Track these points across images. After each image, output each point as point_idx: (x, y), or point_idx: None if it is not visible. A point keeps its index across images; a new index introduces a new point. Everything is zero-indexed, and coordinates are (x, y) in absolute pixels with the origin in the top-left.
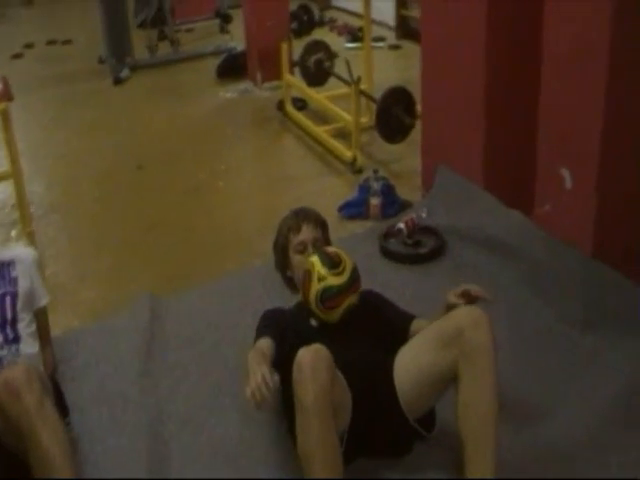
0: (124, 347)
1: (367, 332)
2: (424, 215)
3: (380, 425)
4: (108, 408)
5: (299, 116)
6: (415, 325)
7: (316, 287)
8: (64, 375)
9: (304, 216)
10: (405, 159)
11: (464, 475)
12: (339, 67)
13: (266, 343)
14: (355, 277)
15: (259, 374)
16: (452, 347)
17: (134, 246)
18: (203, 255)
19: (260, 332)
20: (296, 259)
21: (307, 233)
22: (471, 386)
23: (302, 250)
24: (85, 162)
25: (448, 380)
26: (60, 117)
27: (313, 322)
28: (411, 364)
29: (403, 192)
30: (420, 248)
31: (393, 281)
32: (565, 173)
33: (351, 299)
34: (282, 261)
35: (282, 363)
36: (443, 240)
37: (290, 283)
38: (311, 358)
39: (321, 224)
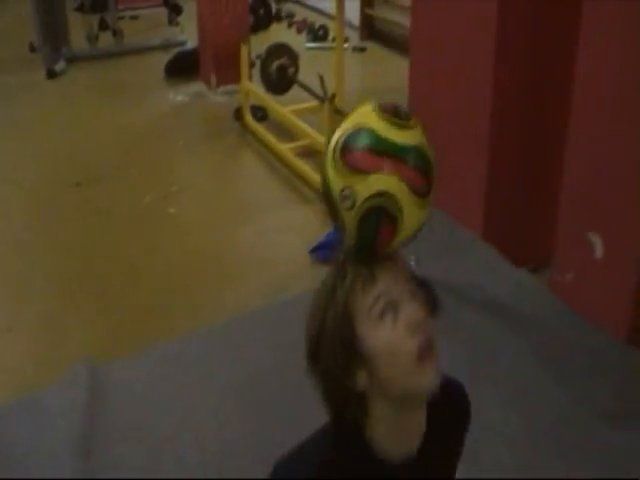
0: (56, 437)
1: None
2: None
3: None
4: None
5: (260, 129)
6: None
7: (343, 130)
8: None
9: (377, 258)
10: None
11: None
12: (303, 72)
13: None
14: (423, 162)
15: None
16: None
17: (70, 291)
18: (152, 305)
19: None
20: (382, 337)
21: (391, 279)
22: None
23: (394, 314)
24: (12, 176)
25: None
26: None
27: None
28: None
29: None
30: None
31: None
32: (595, 239)
33: (400, 188)
34: (343, 361)
35: None
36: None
37: (356, 403)
38: None
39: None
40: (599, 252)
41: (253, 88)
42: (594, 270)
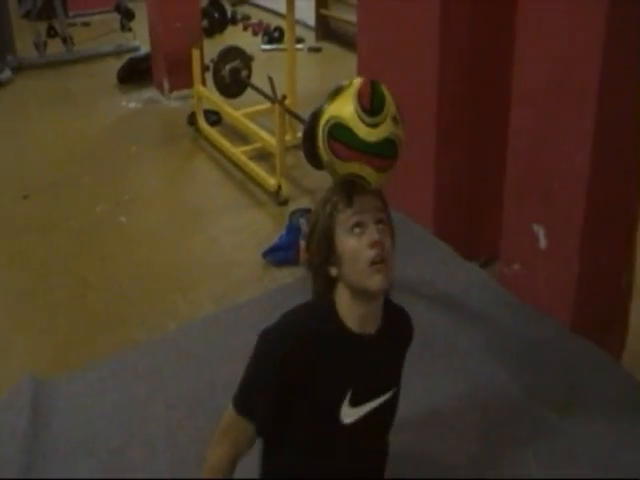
0: None
1: (393, 377)
2: None
3: None
4: None
5: (213, 133)
6: None
7: (331, 115)
8: None
9: (356, 186)
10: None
11: None
12: (256, 75)
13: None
14: (389, 149)
15: None
16: None
17: (14, 304)
18: (103, 318)
19: (249, 416)
20: (350, 245)
21: (364, 204)
22: None
23: (360, 230)
24: None
25: None
26: None
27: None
28: None
29: None
30: None
31: None
32: (538, 230)
33: (366, 171)
34: (325, 249)
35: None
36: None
37: (329, 285)
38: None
39: (382, 199)
40: (543, 243)
41: (206, 92)
42: (539, 260)
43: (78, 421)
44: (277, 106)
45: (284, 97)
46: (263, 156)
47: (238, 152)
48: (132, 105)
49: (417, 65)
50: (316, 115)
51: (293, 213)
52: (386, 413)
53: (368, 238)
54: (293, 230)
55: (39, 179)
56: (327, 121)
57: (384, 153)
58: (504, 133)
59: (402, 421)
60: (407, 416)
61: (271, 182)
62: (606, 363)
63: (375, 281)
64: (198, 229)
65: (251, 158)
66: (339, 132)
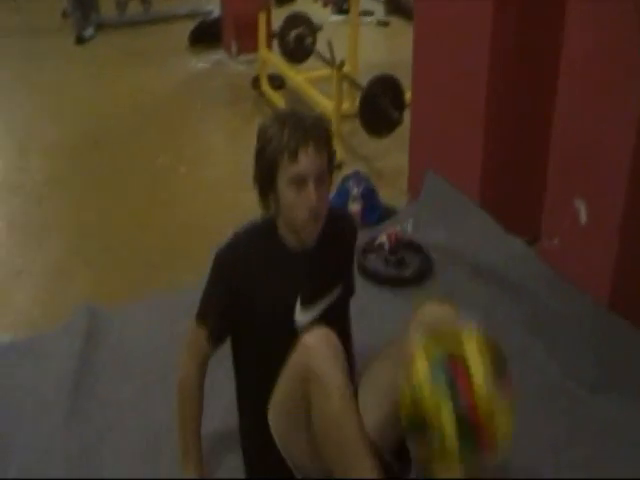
0: (52, 375)
1: (333, 282)
2: (410, 228)
3: None
4: (25, 452)
5: (275, 97)
6: None
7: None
8: None
9: (304, 133)
10: (390, 155)
11: None
12: (322, 43)
13: (198, 380)
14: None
15: None
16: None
17: (81, 240)
18: (158, 259)
19: (205, 325)
20: (288, 197)
21: (309, 163)
22: None
23: (300, 185)
24: (37, 132)
25: None
26: (14, 76)
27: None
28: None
29: (386, 195)
30: (404, 269)
31: (371, 306)
32: (580, 205)
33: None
34: (264, 185)
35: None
36: (430, 260)
37: (266, 207)
38: (323, 342)
39: (328, 144)
40: (583, 219)
41: (271, 56)
42: (579, 236)
43: (126, 349)
44: (335, 71)
45: (342, 63)
46: None
47: None
48: (200, 65)
49: (469, 41)
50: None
51: (345, 178)
52: (338, 312)
53: (306, 199)
54: (343, 194)
55: (110, 128)
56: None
57: None
58: (551, 111)
59: None
60: None
61: None
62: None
63: (306, 232)
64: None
65: None
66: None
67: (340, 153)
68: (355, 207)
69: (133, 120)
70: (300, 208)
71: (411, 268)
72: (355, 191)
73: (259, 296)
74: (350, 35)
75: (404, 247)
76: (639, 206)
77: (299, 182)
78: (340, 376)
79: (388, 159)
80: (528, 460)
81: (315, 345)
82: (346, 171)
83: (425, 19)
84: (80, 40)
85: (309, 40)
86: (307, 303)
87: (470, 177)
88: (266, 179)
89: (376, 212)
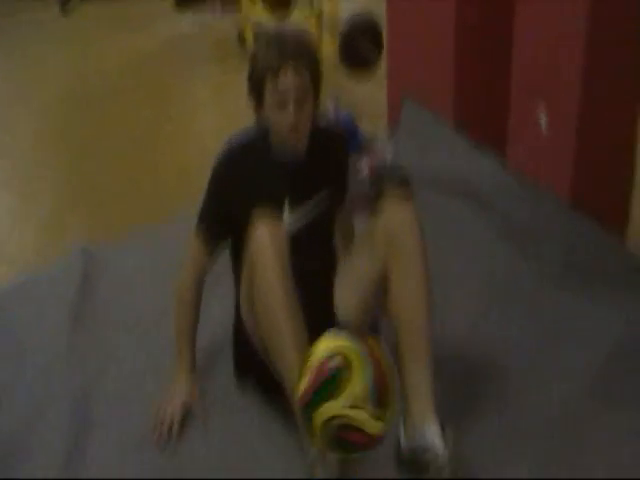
0: (51, 309)
1: (320, 193)
2: (388, 155)
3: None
4: (27, 384)
5: None
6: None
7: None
8: None
9: (284, 53)
10: (371, 91)
11: (400, 370)
12: None
13: (195, 291)
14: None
15: (168, 423)
16: (382, 252)
17: (73, 191)
18: (146, 207)
19: (202, 231)
20: (274, 114)
21: (288, 81)
22: (401, 283)
23: (281, 104)
24: (27, 98)
25: (380, 283)
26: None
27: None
28: (349, 278)
29: (367, 127)
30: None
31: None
32: (540, 113)
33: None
34: (255, 100)
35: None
36: (407, 180)
37: (259, 120)
38: (268, 229)
39: (310, 63)
40: (544, 125)
41: (254, 9)
42: (541, 142)
43: (122, 286)
44: (314, 18)
45: (320, 12)
46: None
47: None
48: (186, 26)
49: None
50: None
51: (324, 108)
52: (324, 220)
53: (286, 118)
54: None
55: (97, 88)
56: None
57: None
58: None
59: None
60: None
61: None
62: (605, 241)
63: (290, 145)
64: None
65: None
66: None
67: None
68: None
69: (120, 80)
70: (281, 124)
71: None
72: (334, 118)
73: (251, 201)
74: None
75: (382, 173)
76: (592, 113)
77: (280, 101)
78: (272, 256)
79: (369, 95)
80: (498, 351)
81: (259, 232)
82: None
83: None
84: (65, 10)
85: None
86: (295, 206)
87: (444, 101)
88: (255, 96)
89: (356, 140)
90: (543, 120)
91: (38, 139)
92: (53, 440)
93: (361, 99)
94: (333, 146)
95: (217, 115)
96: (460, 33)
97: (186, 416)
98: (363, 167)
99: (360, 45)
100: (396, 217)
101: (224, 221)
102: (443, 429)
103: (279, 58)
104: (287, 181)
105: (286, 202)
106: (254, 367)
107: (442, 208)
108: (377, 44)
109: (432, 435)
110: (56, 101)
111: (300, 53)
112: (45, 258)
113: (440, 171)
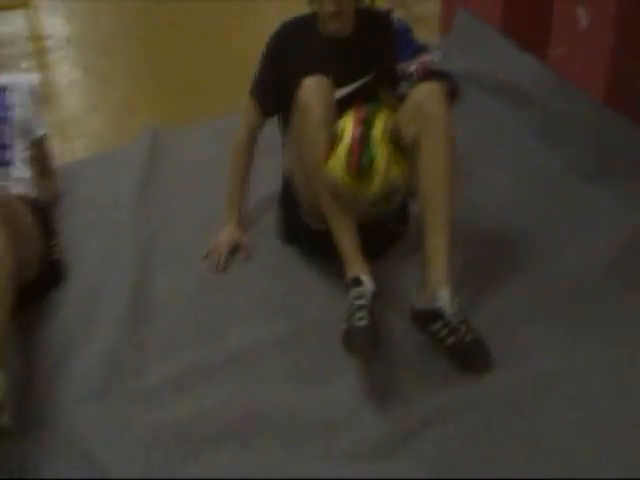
0: (124, 178)
1: (367, 67)
2: (437, 59)
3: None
4: (103, 236)
5: None
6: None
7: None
8: (65, 204)
9: None
10: (428, 1)
11: (422, 239)
12: None
13: (249, 144)
14: (388, 192)
15: (217, 254)
16: (413, 122)
17: (146, 80)
18: (213, 93)
19: (256, 97)
20: (319, 1)
21: None
22: (428, 154)
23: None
24: None
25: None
26: None
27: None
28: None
29: (422, 36)
30: None
31: None
32: (580, 11)
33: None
34: None
35: (283, 101)
36: (456, 85)
37: (310, 4)
38: (316, 81)
39: None
40: (584, 23)
41: None
42: (580, 40)
43: (185, 158)
44: None
45: None
46: None
47: None
48: None
49: None
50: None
51: None
52: (364, 96)
53: (328, 6)
54: None
55: None
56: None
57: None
58: None
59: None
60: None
61: None
62: (637, 136)
63: (331, 26)
64: None
65: None
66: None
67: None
68: None
69: None
70: (327, 4)
71: None
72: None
73: (299, 72)
74: None
75: (432, 75)
76: (630, 10)
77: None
78: (317, 105)
79: (426, 4)
80: (527, 236)
81: (307, 83)
82: None
83: None
84: None
85: None
86: (341, 79)
87: (494, 9)
88: None
89: (410, 48)
90: (583, 19)
91: (117, 32)
92: (123, 279)
93: (420, 13)
94: (378, 24)
95: (276, 9)
96: None
97: (234, 249)
98: (412, 69)
99: None
100: (425, 89)
101: (275, 88)
102: (456, 295)
103: None
104: (334, 57)
105: (332, 75)
106: (300, 230)
107: (485, 105)
108: None
109: (444, 299)
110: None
111: None
112: (118, 135)
113: (486, 73)
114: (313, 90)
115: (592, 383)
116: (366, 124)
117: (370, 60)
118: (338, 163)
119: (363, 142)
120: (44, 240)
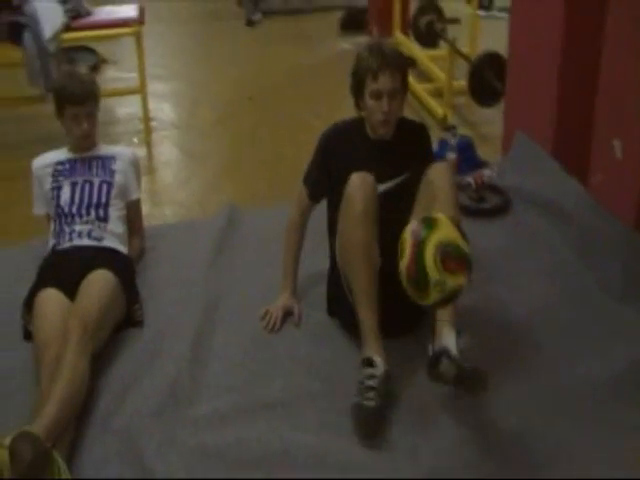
0: (201, 243)
1: (405, 167)
2: (494, 174)
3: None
4: (177, 289)
5: None
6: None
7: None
8: (149, 258)
9: (383, 61)
10: (496, 123)
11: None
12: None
13: (300, 224)
14: (448, 297)
15: (274, 317)
16: (426, 199)
17: (233, 164)
18: (288, 179)
19: (307, 185)
20: (370, 104)
21: (384, 82)
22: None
23: (377, 97)
24: (208, 90)
25: None
26: (193, 49)
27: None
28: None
29: (485, 154)
30: (484, 203)
31: None
32: (616, 143)
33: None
34: (356, 93)
35: (330, 191)
36: (507, 199)
37: (359, 110)
38: (361, 177)
39: (401, 70)
40: (619, 154)
41: (403, 39)
42: (615, 170)
43: (256, 234)
44: (448, 46)
45: (454, 39)
46: (440, 93)
47: (419, 87)
48: (346, 46)
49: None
50: (421, 243)
51: (446, 133)
52: (402, 191)
53: (381, 107)
54: (444, 146)
55: (263, 89)
56: (437, 245)
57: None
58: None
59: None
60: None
61: (439, 111)
62: None
63: (380, 131)
64: None
65: (429, 94)
66: (453, 251)
67: (451, 118)
68: (451, 156)
69: (282, 84)
70: (376, 113)
71: (490, 204)
72: (452, 142)
73: (345, 168)
74: (473, 24)
75: (487, 188)
76: None
77: (377, 95)
78: (361, 199)
79: (493, 126)
80: (554, 345)
81: (354, 179)
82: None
83: (517, 15)
84: (250, 23)
85: (439, 26)
86: (382, 178)
87: (546, 134)
88: (357, 91)
89: (470, 162)
90: (618, 147)
91: (214, 120)
92: (189, 327)
93: (486, 133)
94: (416, 133)
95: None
96: (564, 76)
97: (287, 315)
98: (470, 180)
99: (487, 77)
100: (435, 171)
101: (324, 181)
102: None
103: (380, 62)
104: (377, 156)
105: (373, 174)
106: (343, 307)
107: (530, 219)
108: (502, 78)
109: (448, 340)
110: (232, 92)
111: (396, 61)
112: (202, 207)
113: (534, 191)
114: (359, 185)
115: None
116: (419, 246)
117: (407, 161)
118: (401, 274)
119: (416, 263)
120: (129, 305)
